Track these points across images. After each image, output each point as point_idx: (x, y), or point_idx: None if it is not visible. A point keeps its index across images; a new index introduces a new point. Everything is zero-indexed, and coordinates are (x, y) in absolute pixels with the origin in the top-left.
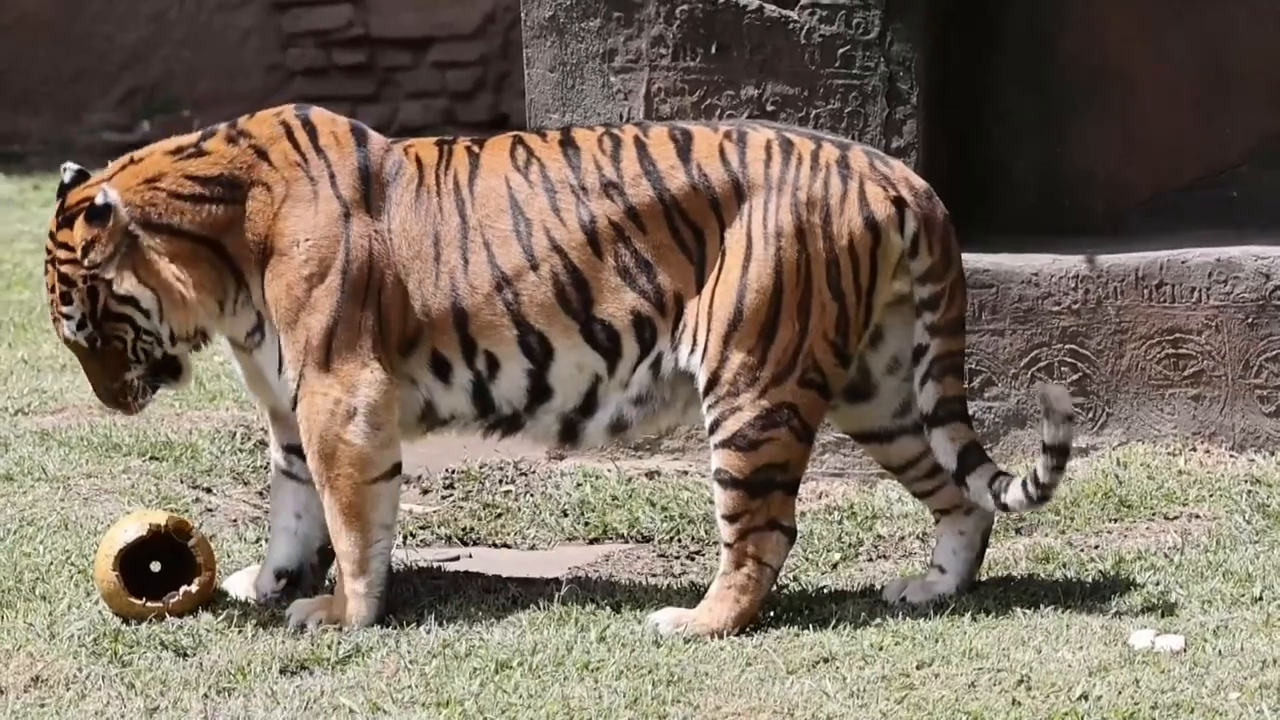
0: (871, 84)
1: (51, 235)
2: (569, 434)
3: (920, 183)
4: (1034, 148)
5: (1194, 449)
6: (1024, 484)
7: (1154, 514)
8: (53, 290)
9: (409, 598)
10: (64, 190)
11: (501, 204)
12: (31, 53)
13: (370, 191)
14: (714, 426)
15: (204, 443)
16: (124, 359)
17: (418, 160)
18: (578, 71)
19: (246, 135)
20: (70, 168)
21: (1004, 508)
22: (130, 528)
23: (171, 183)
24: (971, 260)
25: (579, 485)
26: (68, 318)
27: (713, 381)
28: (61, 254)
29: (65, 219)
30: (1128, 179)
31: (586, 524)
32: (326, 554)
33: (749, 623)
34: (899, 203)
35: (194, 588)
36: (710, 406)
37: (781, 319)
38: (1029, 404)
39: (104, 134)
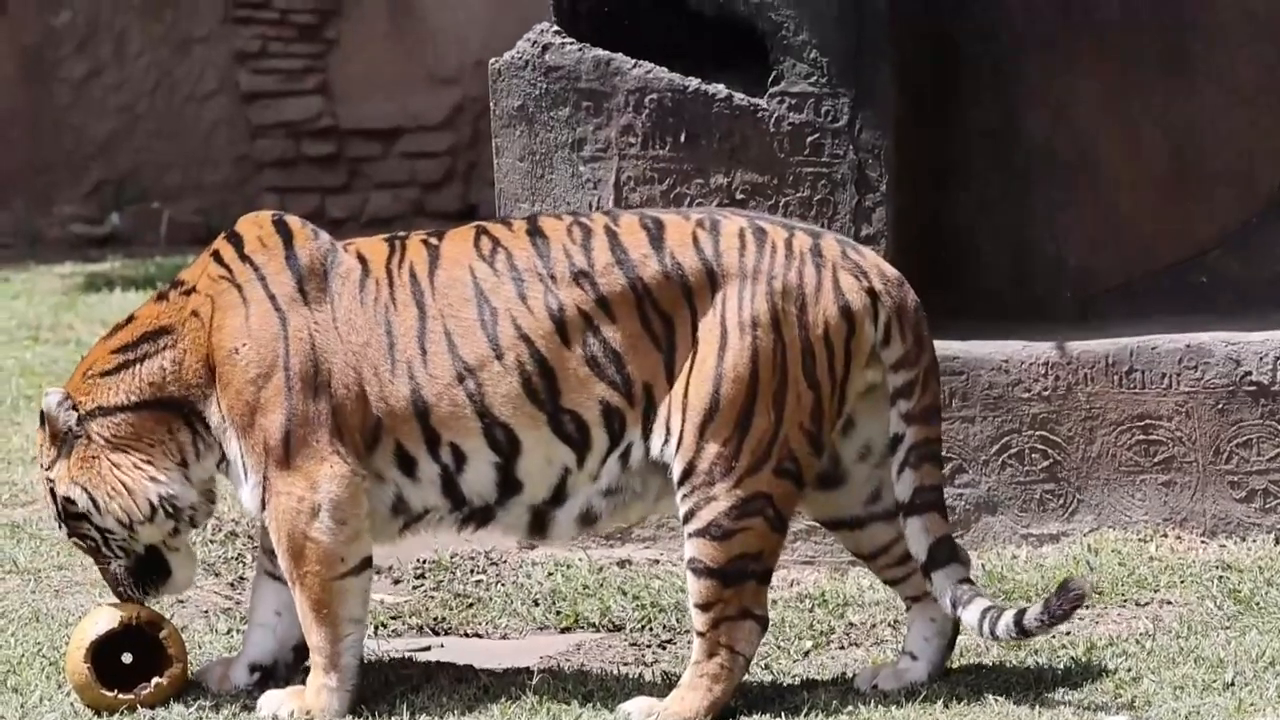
0: (840, 172)
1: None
2: (538, 525)
3: (892, 271)
4: (1004, 234)
5: (1165, 535)
6: (988, 614)
7: (1125, 600)
8: None
9: (380, 688)
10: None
11: (465, 293)
12: (1, 144)
13: (305, 285)
14: (689, 516)
15: None
16: (100, 554)
17: (359, 255)
18: (547, 161)
19: (178, 284)
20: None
21: (957, 619)
22: (101, 620)
23: (101, 364)
24: (942, 347)
25: (550, 574)
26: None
27: (688, 471)
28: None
29: None
30: (1098, 264)
31: (558, 613)
32: (301, 651)
33: (721, 711)
34: (872, 293)
35: (165, 679)
36: (685, 496)
37: (757, 408)
38: (1000, 490)
39: (73, 226)
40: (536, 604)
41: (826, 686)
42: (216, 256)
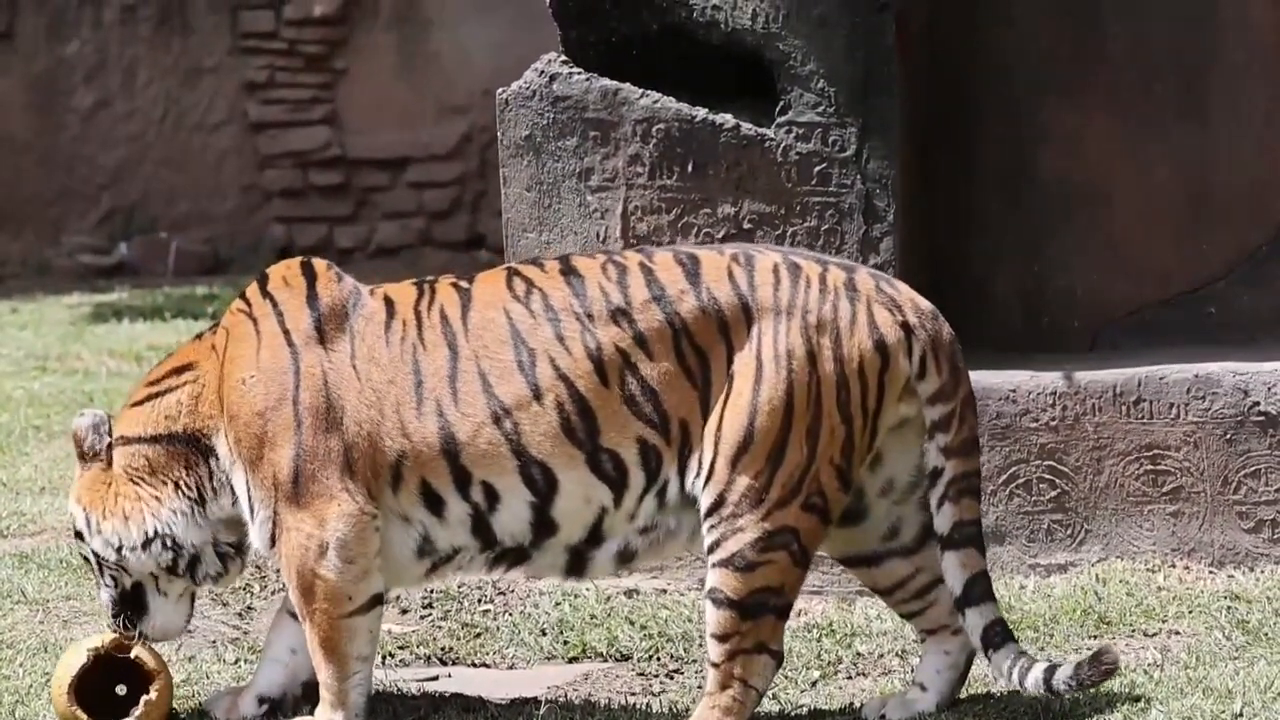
0: (848, 201)
1: None
2: (576, 566)
3: (926, 304)
4: (1013, 264)
5: (1173, 565)
6: (1019, 661)
7: (1133, 630)
8: None
9: (388, 718)
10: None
11: (501, 335)
12: (11, 174)
13: (323, 325)
14: (714, 546)
15: None
16: (97, 578)
17: (386, 298)
18: (554, 190)
19: (213, 325)
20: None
21: (987, 658)
22: (73, 659)
23: (134, 396)
24: None
25: (558, 604)
26: None
27: (718, 502)
28: None
29: None
30: (1107, 296)
31: (565, 643)
32: (310, 688)
33: None
34: (906, 327)
35: (153, 694)
36: (712, 526)
37: (791, 441)
38: (1007, 520)
39: (81, 256)
40: (544, 634)
41: (834, 716)
42: (242, 294)
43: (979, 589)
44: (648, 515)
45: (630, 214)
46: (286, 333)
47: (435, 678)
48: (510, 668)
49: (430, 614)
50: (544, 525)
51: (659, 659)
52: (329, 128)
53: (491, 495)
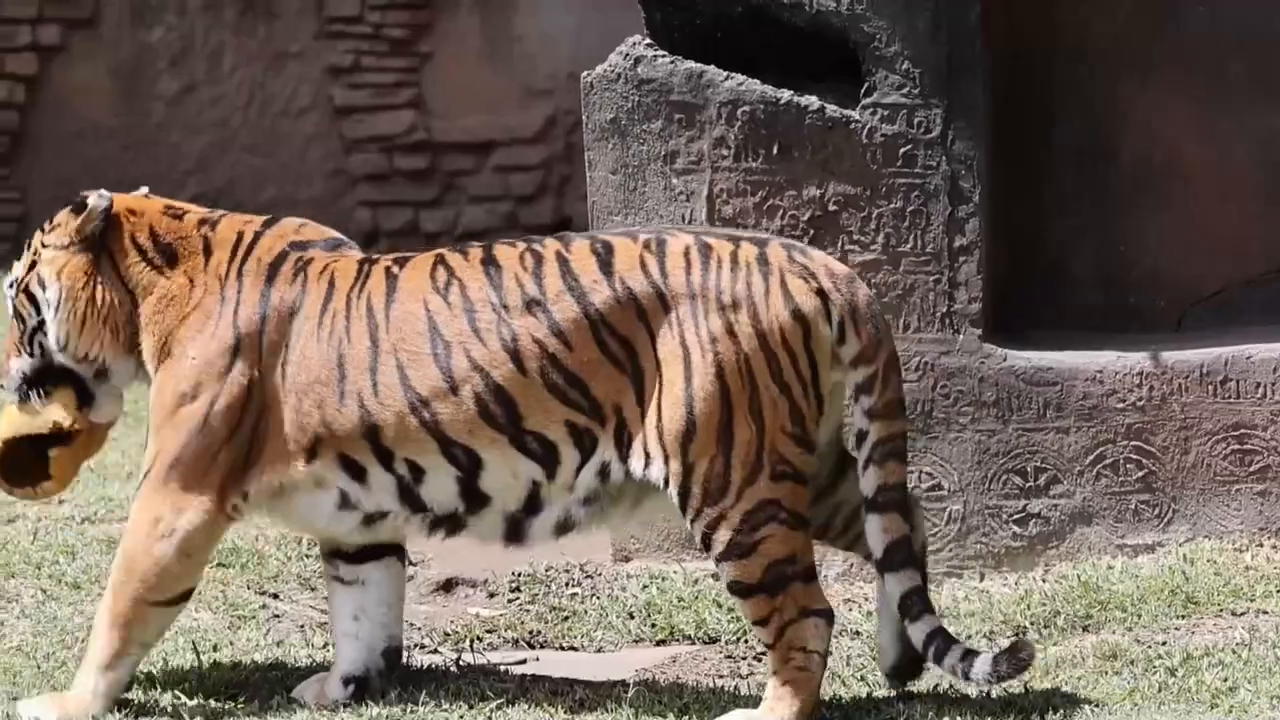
0: (934, 183)
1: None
2: (514, 533)
3: (841, 268)
4: (1096, 245)
5: (1260, 544)
6: (935, 638)
7: (1221, 610)
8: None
9: (476, 702)
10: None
11: (418, 327)
12: (97, 160)
13: (265, 330)
14: (705, 543)
15: (270, 549)
16: (16, 340)
17: (330, 282)
18: (640, 174)
19: (212, 225)
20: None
21: (903, 629)
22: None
23: (136, 225)
24: (1035, 358)
25: (645, 587)
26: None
27: (684, 496)
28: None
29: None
30: (1190, 275)
31: (653, 625)
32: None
33: (812, 714)
34: (821, 293)
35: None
36: (693, 522)
37: (736, 421)
38: (1095, 501)
39: None
40: (632, 617)
41: (922, 698)
42: (233, 249)
43: (900, 555)
44: (588, 488)
45: (715, 197)
46: (236, 329)
47: (523, 661)
48: (598, 651)
49: (518, 598)
50: (474, 497)
51: (746, 641)
52: (414, 112)
53: (416, 469)
